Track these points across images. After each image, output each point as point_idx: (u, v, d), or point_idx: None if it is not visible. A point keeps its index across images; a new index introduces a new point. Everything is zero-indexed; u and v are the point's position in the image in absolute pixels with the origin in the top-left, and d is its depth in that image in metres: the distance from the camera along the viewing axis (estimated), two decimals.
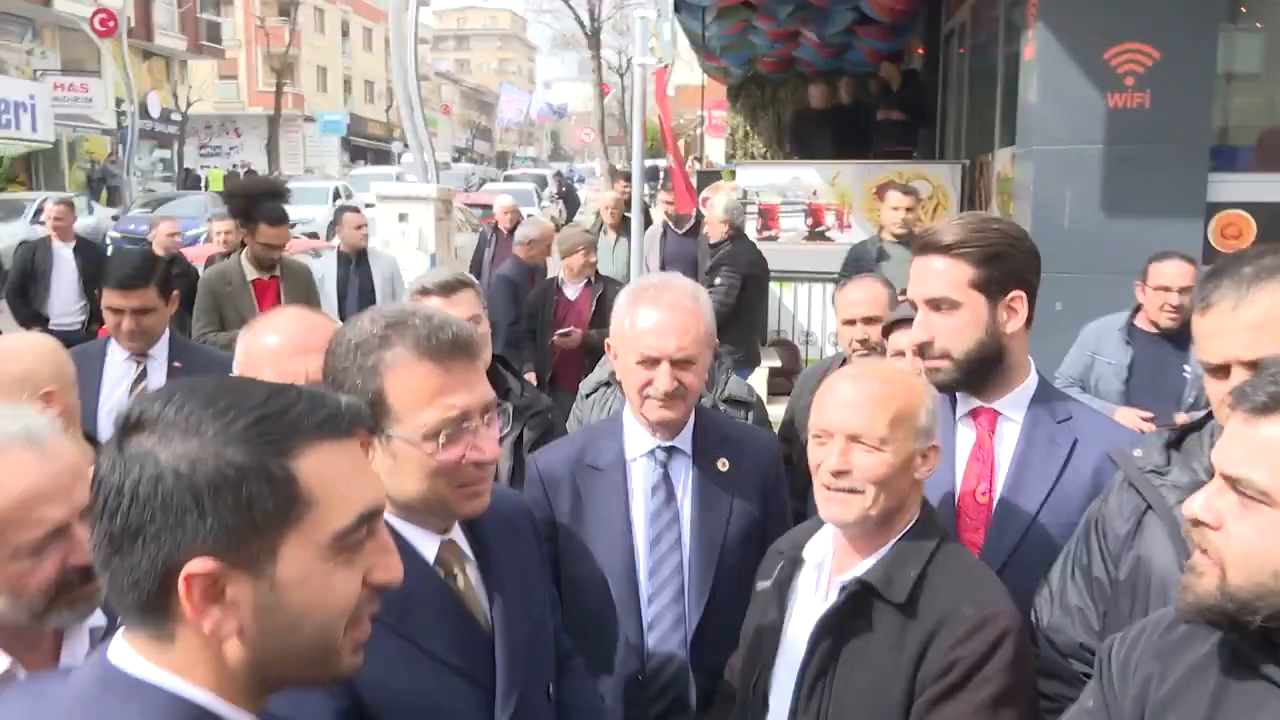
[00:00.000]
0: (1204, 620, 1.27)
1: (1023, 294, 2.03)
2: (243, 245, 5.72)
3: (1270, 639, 1.22)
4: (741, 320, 6.36)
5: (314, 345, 2.10)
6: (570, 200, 30.44)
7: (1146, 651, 1.42)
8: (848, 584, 1.77)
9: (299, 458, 0.97)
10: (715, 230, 6.92)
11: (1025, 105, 7.89)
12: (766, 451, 2.40)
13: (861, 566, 1.79)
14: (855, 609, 1.75)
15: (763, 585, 1.97)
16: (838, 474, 1.75)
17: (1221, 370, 1.59)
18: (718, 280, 6.38)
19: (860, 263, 6.03)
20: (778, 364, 8.71)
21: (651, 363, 2.15)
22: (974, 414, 2.10)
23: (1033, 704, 1.74)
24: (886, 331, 3.03)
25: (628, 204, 8.16)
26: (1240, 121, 8.33)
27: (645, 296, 2.20)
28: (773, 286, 9.54)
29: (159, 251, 7.49)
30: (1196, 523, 1.27)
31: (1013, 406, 2.08)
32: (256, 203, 5.39)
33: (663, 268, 8.35)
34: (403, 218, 8.64)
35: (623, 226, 8.32)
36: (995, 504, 2.03)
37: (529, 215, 18.04)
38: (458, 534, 1.67)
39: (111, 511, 0.94)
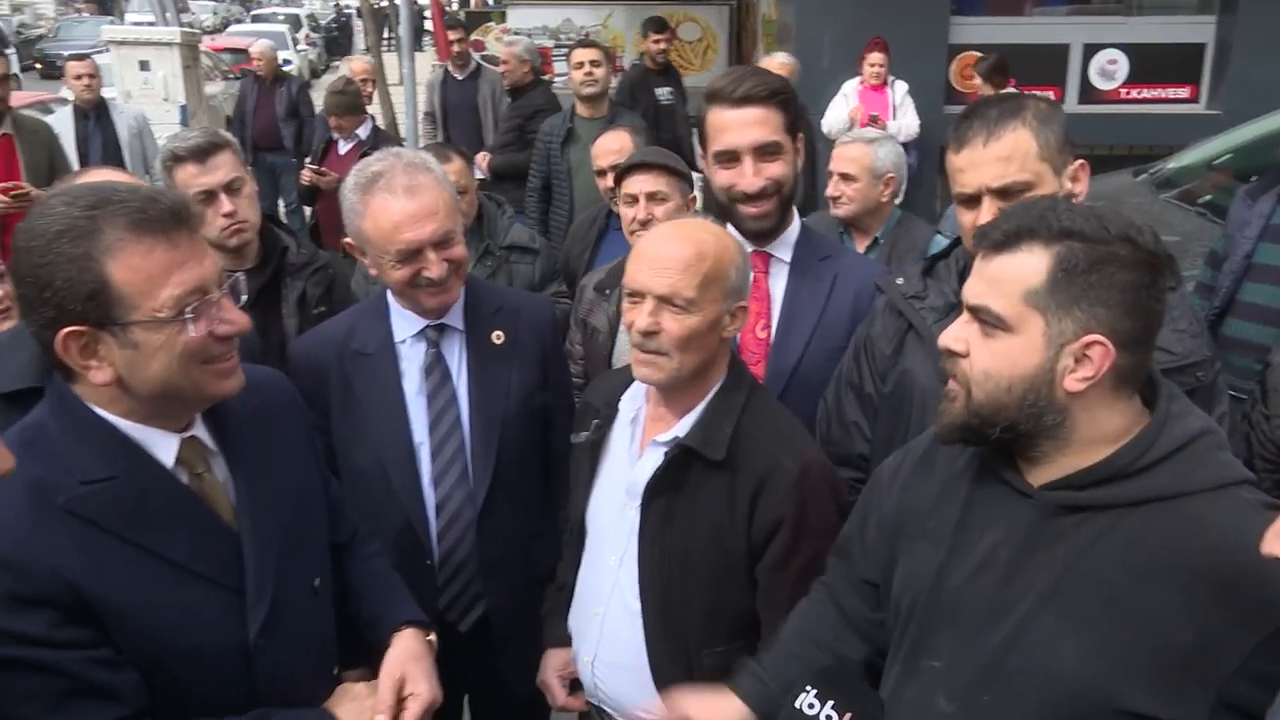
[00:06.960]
0: (958, 439, 1.43)
1: (803, 135, 2.24)
2: None
3: (1008, 450, 1.42)
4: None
5: None
6: (345, 32, 28.48)
7: (909, 468, 1.62)
8: (668, 447, 1.85)
9: None
10: (514, 73, 6.58)
11: None
12: (543, 319, 2.32)
13: (680, 427, 1.87)
14: (680, 470, 1.83)
15: (578, 438, 2.04)
16: (647, 334, 1.79)
17: (973, 200, 1.81)
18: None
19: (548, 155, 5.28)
20: None
21: (414, 255, 2.05)
22: (750, 257, 2.27)
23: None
24: (619, 179, 2.96)
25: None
26: None
27: (379, 186, 2.05)
28: None
29: None
30: (949, 353, 1.40)
31: (782, 248, 2.29)
32: None
33: (445, 115, 8.00)
34: (144, 66, 7.81)
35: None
36: (772, 337, 2.25)
37: (285, 61, 16.74)
38: (200, 429, 1.54)
39: None
